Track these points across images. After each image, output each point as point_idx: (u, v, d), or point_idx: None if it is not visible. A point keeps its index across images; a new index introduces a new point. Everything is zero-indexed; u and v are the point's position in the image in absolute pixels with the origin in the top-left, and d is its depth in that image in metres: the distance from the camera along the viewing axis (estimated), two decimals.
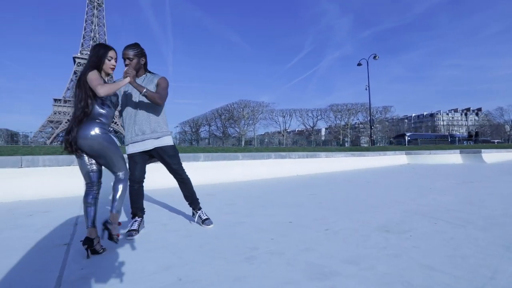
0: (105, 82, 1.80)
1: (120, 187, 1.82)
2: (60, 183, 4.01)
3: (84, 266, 1.52)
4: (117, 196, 1.80)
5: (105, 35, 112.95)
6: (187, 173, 2.24)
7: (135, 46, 2.04)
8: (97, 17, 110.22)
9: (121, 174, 1.84)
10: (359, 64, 21.78)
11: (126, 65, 1.99)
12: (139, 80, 2.07)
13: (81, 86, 1.74)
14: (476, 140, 30.76)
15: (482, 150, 10.58)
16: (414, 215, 2.53)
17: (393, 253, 1.62)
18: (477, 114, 73.79)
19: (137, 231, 2.06)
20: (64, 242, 1.94)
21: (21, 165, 3.89)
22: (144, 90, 1.88)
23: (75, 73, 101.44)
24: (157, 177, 4.74)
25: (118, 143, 1.94)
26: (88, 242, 1.64)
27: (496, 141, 39.57)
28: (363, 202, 3.19)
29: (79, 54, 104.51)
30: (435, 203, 3.05)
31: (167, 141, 2.14)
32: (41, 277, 1.40)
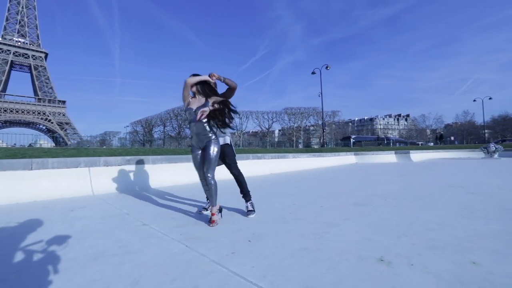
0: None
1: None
2: (69, 184, 4.31)
3: (181, 233, 2.26)
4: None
5: (36, 19, 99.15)
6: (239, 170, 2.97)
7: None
8: None
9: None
10: (313, 73, 24.10)
11: None
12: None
13: None
14: (406, 142, 36.46)
15: (410, 151, 13.18)
16: (372, 196, 3.75)
17: (366, 214, 2.72)
18: (406, 120, 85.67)
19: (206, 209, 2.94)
20: (141, 223, 2.59)
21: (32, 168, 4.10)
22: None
23: None
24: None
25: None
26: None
27: (420, 143, 47.09)
28: (336, 191, 4.36)
29: (0, 39, 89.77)
30: (384, 189, 4.38)
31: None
32: (162, 240, 2.11)
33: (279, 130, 57.37)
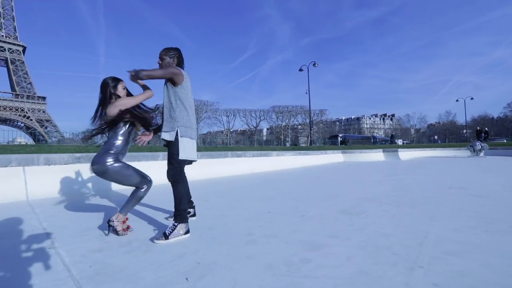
0: None
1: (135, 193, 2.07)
2: None
3: (92, 264, 1.52)
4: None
5: (12, 10, 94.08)
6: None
7: (167, 49, 2.14)
8: None
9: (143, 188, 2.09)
10: (300, 70, 23.61)
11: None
12: None
13: None
14: (392, 141, 36.69)
15: (399, 149, 12.84)
16: (363, 201, 3.12)
17: (359, 228, 2.07)
18: (391, 119, 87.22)
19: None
20: (47, 246, 1.83)
21: None
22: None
23: None
24: None
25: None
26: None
27: (405, 142, 47.86)
28: (322, 193, 3.71)
29: None
30: (376, 191, 3.78)
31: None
32: (50, 278, 1.37)
33: (267, 129, 56.87)
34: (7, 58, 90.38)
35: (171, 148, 2.04)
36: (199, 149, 8.68)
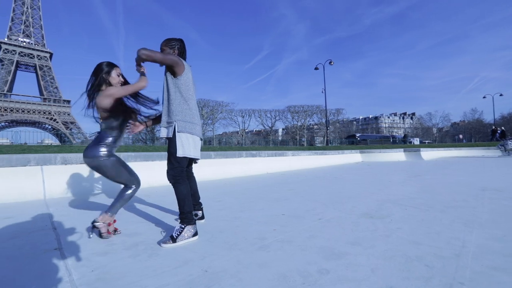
0: None
1: (122, 192, 1.98)
2: (15, 186, 3.53)
3: (94, 268, 1.44)
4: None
5: (40, 20, 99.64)
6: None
7: (167, 39, 2.02)
8: None
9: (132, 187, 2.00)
10: (316, 68, 23.16)
11: None
12: None
13: None
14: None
15: (421, 149, 12.21)
16: (386, 203, 2.88)
17: (384, 234, 1.87)
18: (411, 118, 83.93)
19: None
20: (53, 247, 1.78)
21: None
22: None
23: (1, 61, 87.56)
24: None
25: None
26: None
27: (426, 141, 45.77)
28: (340, 194, 3.50)
29: (6, 39, 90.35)
30: (399, 192, 3.51)
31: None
32: (48, 283, 1.29)
33: (283, 129, 56.41)
34: (36, 64, 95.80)
35: (170, 145, 1.89)
36: (213, 149, 8.64)
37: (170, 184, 1.92)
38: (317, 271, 1.32)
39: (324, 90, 22.60)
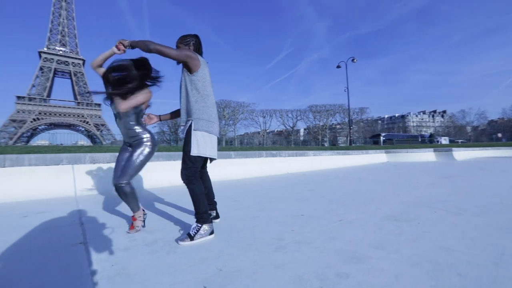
0: None
1: None
2: (49, 183, 3.78)
3: (114, 263, 1.48)
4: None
5: (74, 29, 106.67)
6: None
7: (183, 36, 2.02)
8: (65, 9, 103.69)
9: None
10: (338, 67, 22.56)
11: None
12: None
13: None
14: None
15: (453, 148, 11.43)
16: (413, 205, 2.71)
17: (410, 238, 1.74)
18: (442, 116, 79.08)
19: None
20: (79, 241, 1.86)
21: (5, 165, 3.62)
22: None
23: (41, 69, 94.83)
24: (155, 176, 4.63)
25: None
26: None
27: (460, 140, 42.83)
28: (363, 196, 3.35)
29: (45, 49, 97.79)
30: (428, 195, 3.29)
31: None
32: (72, 275, 1.35)
33: (304, 129, 55.62)
34: (70, 71, 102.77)
35: (185, 144, 1.86)
36: (234, 149, 8.70)
37: (185, 184, 1.91)
38: (336, 275, 1.26)
39: (347, 88, 21.95)
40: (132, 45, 1.86)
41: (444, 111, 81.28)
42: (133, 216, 2.08)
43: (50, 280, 1.29)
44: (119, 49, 1.90)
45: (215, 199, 2.31)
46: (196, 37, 2.02)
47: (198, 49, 2.02)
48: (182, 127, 1.95)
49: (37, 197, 3.55)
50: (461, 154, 11.71)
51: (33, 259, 1.55)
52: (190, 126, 1.86)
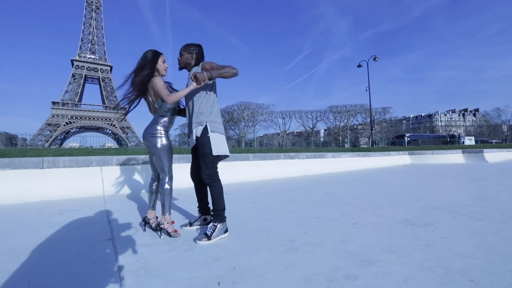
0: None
1: (162, 190, 2.05)
2: (81, 184, 4.09)
3: (138, 258, 1.62)
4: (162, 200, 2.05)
5: (103, 37, 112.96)
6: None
7: (186, 45, 2.15)
8: (95, 19, 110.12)
9: (166, 178, 2.04)
10: (359, 66, 22.03)
11: (178, 59, 2.14)
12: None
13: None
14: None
15: (484, 150, 10.75)
16: (433, 210, 2.64)
17: (425, 243, 1.73)
18: (474, 115, 74.31)
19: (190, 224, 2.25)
20: (107, 237, 2.03)
21: (43, 166, 3.97)
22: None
23: (73, 75, 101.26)
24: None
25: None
26: (145, 219, 2.12)
27: (494, 141, 39.95)
28: (381, 199, 3.30)
29: (77, 57, 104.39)
30: (451, 199, 3.17)
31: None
32: (101, 268, 1.50)
33: (325, 130, 54.71)
34: (99, 77, 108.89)
35: (202, 146, 1.96)
36: (253, 151, 8.81)
37: (208, 183, 2.02)
38: (344, 277, 1.30)
39: (368, 87, 21.35)
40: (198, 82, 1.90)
41: (477, 110, 76.39)
42: (167, 221, 2.06)
43: (84, 271, 1.44)
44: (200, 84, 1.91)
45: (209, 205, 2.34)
46: (199, 46, 2.16)
47: (200, 58, 2.16)
48: (193, 130, 2.02)
49: (70, 196, 3.86)
50: (494, 156, 10.98)
51: (68, 251, 1.73)
52: (205, 128, 1.97)
